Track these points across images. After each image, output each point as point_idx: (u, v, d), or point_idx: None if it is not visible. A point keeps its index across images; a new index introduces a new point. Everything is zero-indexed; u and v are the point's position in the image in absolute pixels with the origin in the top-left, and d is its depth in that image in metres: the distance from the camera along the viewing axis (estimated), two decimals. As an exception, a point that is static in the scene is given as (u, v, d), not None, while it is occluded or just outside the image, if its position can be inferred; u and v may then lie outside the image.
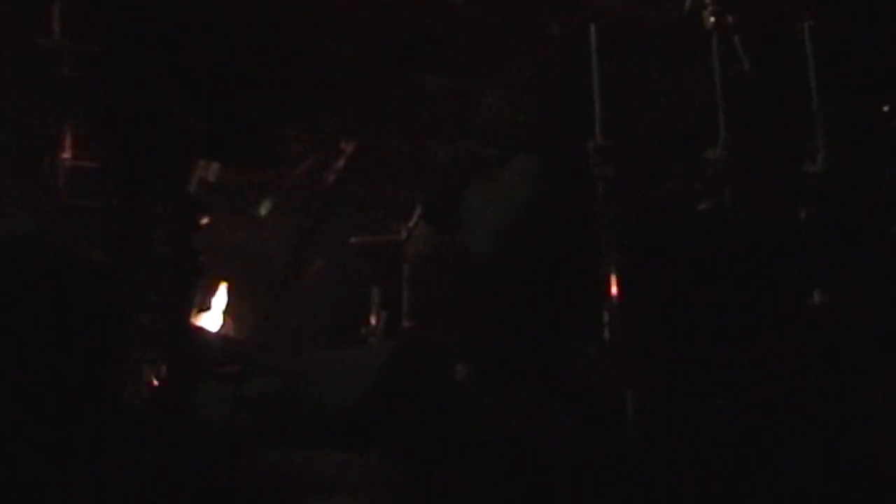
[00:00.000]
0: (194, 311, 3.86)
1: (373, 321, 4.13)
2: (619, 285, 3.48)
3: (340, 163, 4.39)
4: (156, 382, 3.16)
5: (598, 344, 3.52)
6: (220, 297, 4.21)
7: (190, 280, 3.53)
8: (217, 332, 4.23)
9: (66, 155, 3.79)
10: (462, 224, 3.95)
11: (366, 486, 3.51)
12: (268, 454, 3.38)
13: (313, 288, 4.36)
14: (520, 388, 3.75)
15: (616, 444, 3.55)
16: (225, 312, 4.28)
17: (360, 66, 3.98)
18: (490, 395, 3.79)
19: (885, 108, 3.93)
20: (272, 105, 3.85)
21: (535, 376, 3.72)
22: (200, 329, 4.13)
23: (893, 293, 3.85)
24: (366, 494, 3.51)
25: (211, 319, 4.25)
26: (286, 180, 4.38)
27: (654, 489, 3.48)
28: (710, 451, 3.54)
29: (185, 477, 3.09)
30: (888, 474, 3.55)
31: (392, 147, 4.22)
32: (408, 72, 4.01)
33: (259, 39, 3.81)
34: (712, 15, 3.90)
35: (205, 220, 3.85)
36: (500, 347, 3.82)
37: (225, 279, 4.30)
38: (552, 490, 3.57)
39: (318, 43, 3.86)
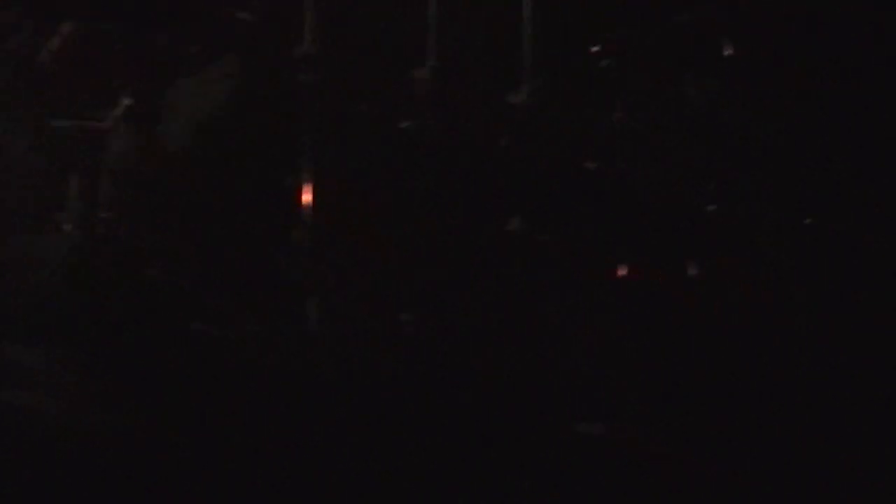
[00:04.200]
0: None
1: (69, 210, 4.05)
2: (312, 193, 3.53)
3: (55, 42, 4.28)
4: None
5: (287, 250, 3.56)
6: None
7: None
8: None
9: None
10: (165, 119, 3.91)
11: (48, 378, 3.47)
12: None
13: (9, 170, 4.25)
14: (211, 288, 3.76)
15: (297, 350, 3.61)
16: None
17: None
18: (181, 293, 3.79)
19: (595, 49, 4.05)
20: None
21: (225, 276, 3.73)
22: None
23: (583, 225, 4.00)
24: (48, 387, 3.47)
25: None
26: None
27: (334, 393, 3.54)
28: (389, 360, 3.63)
29: None
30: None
31: (109, 33, 4.13)
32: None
33: None
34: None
35: None
36: (194, 246, 3.81)
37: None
38: (236, 389, 3.60)
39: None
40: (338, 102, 3.66)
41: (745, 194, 4.04)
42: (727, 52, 4.06)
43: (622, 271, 3.86)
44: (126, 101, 3.99)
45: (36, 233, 4.03)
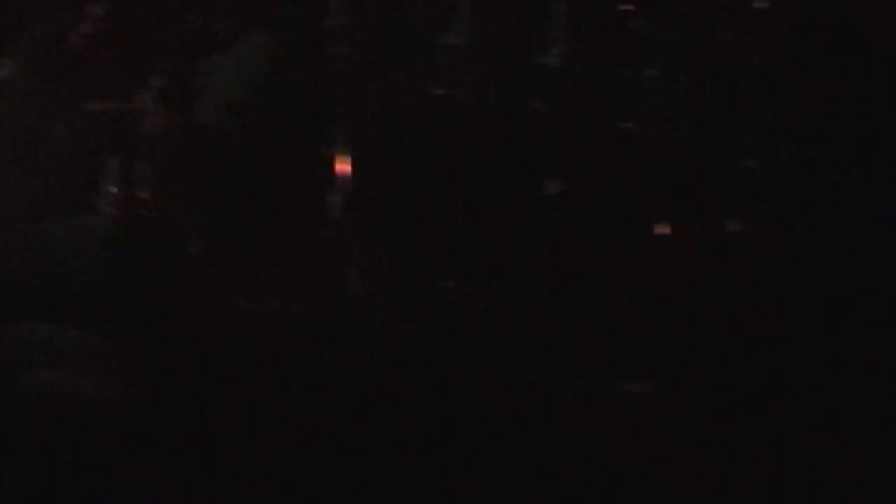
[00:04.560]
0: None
1: (108, 191, 4.07)
2: (349, 165, 3.53)
3: (87, 26, 4.30)
4: None
5: (329, 224, 3.57)
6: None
7: None
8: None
9: None
10: (199, 97, 3.92)
11: (90, 361, 3.49)
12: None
13: (49, 154, 4.27)
14: (252, 264, 3.77)
15: (342, 321, 3.62)
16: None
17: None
18: (223, 270, 3.81)
19: (624, 7, 4.03)
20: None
21: (266, 252, 3.74)
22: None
23: (621, 187, 3.99)
24: (89, 370, 3.49)
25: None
26: (27, 41, 4.27)
27: (378, 365, 3.56)
28: (433, 332, 3.64)
29: None
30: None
31: (141, 14, 4.14)
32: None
33: None
34: None
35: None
36: (234, 224, 3.83)
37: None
38: (281, 366, 3.62)
39: None
40: (370, 72, 3.66)
41: (783, 149, 4.02)
42: (758, 4, 4.04)
43: (662, 230, 3.86)
44: (159, 82, 4.01)
45: (73, 215, 4.05)
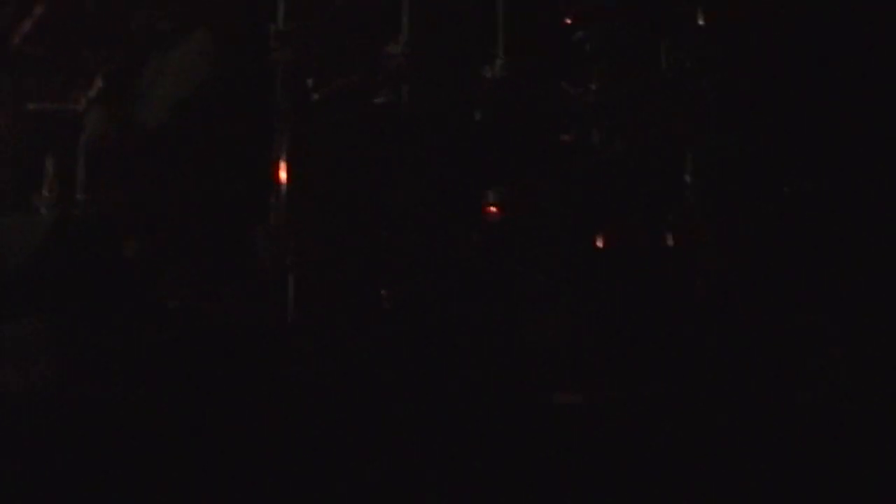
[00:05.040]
0: None
1: (46, 191, 4.06)
2: (288, 170, 3.53)
3: (27, 24, 4.27)
4: None
5: (265, 225, 3.56)
6: None
7: None
8: None
9: None
10: (138, 97, 3.90)
11: (14, 357, 3.46)
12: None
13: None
14: (187, 267, 3.76)
15: (278, 326, 3.61)
16: None
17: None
18: (158, 272, 3.79)
19: (568, 21, 4.05)
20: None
21: (202, 255, 3.74)
22: None
23: (561, 200, 4.00)
24: (13, 366, 3.47)
25: None
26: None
27: (309, 373, 3.55)
28: (367, 340, 3.63)
29: None
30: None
31: (80, 11, 4.12)
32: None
33: None
34: None
35: None
36: (171, 223, 3.82)
37: None
38: (208, 367, 3.60)
39: None
40: (312, 79, 3.66)
41: (722, 164, 4.05)
42: (700, 20, 4.07)
43: (600, 242, 3.88)
44: (99, 82, 3.99)
45: (12, 214, 4.04)
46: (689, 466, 3.52)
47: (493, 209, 3.89)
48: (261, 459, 3.40)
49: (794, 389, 3.58)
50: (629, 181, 4.07)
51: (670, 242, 3.94)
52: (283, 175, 3.52)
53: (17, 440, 3.32)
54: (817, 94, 3.95)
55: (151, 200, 3.83)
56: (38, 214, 3.95)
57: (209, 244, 3.72)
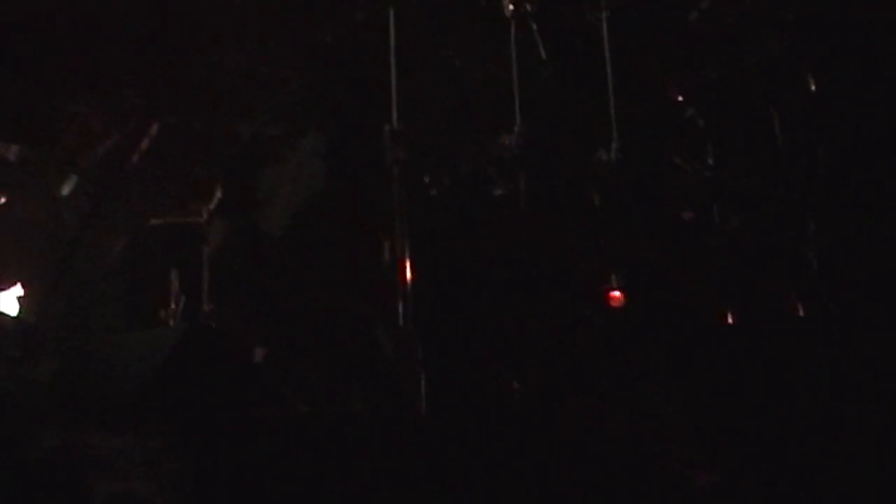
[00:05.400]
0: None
1: (172, 304, 4.09)
2: (412, 269, 3.52)
3: (144, 143, 4.34)
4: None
5: (390, 327, 3.55)
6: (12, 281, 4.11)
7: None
8: (12, 316, 4.14)
9: None
10: (259, 205, 3.93)
11: (147, 470, 3.48)
12: (50, 437, 3.34)
13: (113, 269, 4.30)
14: (315, 370, 3.76)
15: (408, 425, 3.59)
16: (21, 295, 4.19)
17: (158, 44, 3.95)
18: (287, 377, 3.80)
19: (680, 98, 4.03)
20: (68, 82, 3.80)
21: (330, 358, 3.73)
22: (-6, 313, 4.04)
23: (685, 277, 3.96)
24: (147, 479, 3.48)
25: (7, 302, 4.16)
26: (88, 159, 4.32)
27: (445, 468, 3.52)
28: (499, 431, 3.60)
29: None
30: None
31: (194, 127, 4.18)
32: (206, 50, 3.99)
33: (55, 18, 3.76)
34: (511, 2, 3.95)
35: (1, 200, 3.77)
36: (297, 330, 3.82)
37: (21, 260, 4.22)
38: (345, 470, 3.59)
39: (114, 20, 3.81)
40: (427, 175, 3.67)
41: (846, 232, 3.98)
42: (812, 87, 4.03)
43: (731, 318, 3.82)
44: (218, 194, 4.03)
45: (141, 327, 4.07)
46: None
47: (616, 293, 3.86)
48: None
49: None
50: (753, 254, 4.02)
51: (801, 312, 3.88)
52: (407, 273, 3.52)
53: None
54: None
55: (277, 307, 3.85)
56: (165, 327, 3.98)
57: (336, 347, 3.72)
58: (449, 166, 3.84)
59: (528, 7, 3.89)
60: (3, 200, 3.81)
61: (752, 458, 3.68)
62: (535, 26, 3.85)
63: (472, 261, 3.73)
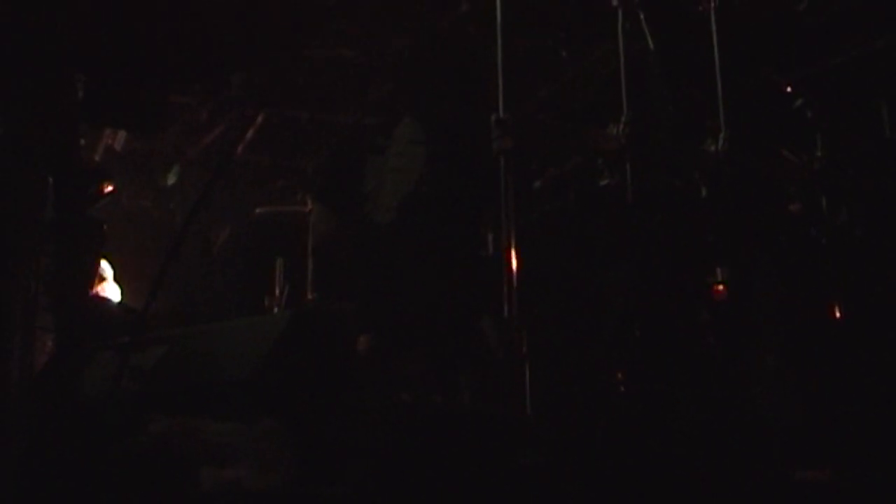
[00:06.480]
0: (94, 281, 3.83)
1: (277, 292, 4.11)
2: (517, 259, 3.49)
3: (249, 132, 4.37)
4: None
5: (495, 317, 3.53)
6: (108, 268, 4.16)
7: (87, 249, 3.50)
8: (117, 302, 4.19)
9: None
10: (367, 198, 3.93)
11: (255, 455, 3.49)
12: (156, 424, 3.36)
13: (219, 258, 4.33)
14: (420, 359, 3.76)
15: (516, 416, 3.57)
16: (124, 282, 4.24)
17: (262, 36, 3.96)
18: (391, 365, 3.80)
19: (789, 89, 3.97)
20: (174, 74, 3.82)
21: (434, 348, 3.72)
22: (102, 299, 4.09)
23: (789, 270, 3.90)
24: (255, 464, 3.49)
25: (112, 289, 4.21)
26: (194, 149, 4.36)
27: (549, 460, 3.50)
28: (604, 427, 3.57)
29: (71, 448, 3.07)
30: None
31: (297, 117, 4.20)
32: (308, 42, 3.99)
33: (162, 9, 3.78)
34: (619, -8, 3.91)
35: (109, 189, 3.81)
36: (401, 319, 3.82)
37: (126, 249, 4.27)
38: (450, 462, 3.58)
39: (221, 12, 3.83)
40: (534, 161, 3.64)
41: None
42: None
43: (838, 313, 3.76)
44: (325, 183, 4.04)
45: (246, 316, 4.09)
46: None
47: (721, 287, 3.81)
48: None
49: None
50: (861, 248, 3.95)
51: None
52: (513, 264, 3.49)
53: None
54: None
55: (382, 297, 3.84)
56: (270, 315, 3.99)
57: (441, 338, 3.71)
58: (555, 157, 3.81)
59: (636, -4, 3.85)
60: (109, 189, 3.85)
61: (861, 456, 3.63)
62: (642, 16, 3.81)
63: (577, 253, 3.70)
